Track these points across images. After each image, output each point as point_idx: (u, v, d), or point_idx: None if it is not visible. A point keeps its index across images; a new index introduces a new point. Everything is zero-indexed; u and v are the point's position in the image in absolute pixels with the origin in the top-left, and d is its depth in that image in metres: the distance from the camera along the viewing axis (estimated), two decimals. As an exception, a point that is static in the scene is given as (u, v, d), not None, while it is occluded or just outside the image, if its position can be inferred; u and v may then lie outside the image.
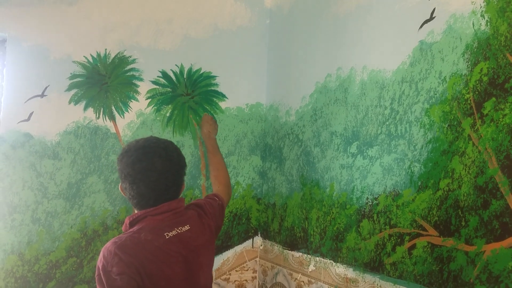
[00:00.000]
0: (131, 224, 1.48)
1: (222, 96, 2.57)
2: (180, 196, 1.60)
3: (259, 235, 2.63)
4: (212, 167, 2.18)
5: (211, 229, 1.66)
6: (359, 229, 1.85)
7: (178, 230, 1.48)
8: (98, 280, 1.35)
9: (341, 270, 1.94)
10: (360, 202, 1.85)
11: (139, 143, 1.52)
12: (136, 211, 1.53)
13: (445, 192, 1.46)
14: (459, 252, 1.40)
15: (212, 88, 2.56)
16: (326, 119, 2.11)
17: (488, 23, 1.35)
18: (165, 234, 1.45)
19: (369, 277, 1.77)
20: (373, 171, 1.79)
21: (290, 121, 2.41)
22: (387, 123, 1.74)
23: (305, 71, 2.30)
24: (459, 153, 1.42)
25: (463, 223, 1.40)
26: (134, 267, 1.33)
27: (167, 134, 2.42)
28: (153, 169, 1.47)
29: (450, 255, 1.43)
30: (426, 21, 1.59)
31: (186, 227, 1.51)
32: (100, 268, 1.34)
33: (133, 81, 2.38)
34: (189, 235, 1.51)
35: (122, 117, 2.34)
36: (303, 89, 2.30)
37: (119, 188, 1.57)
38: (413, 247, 1.58)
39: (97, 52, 2.31)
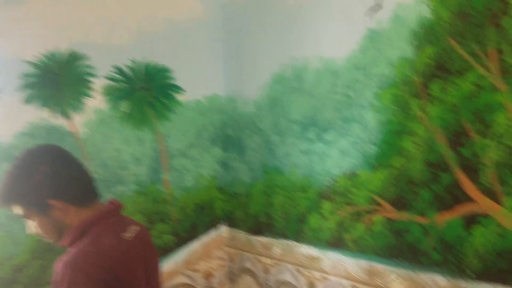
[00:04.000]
0: (82, 234, 1.21)
1: (179, 89, 2.59)
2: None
3: (225, 224, 2.68)
4: None
5: None
6: (320, 210, 1.94)
7: (134, 230, 1.29)
8: None
9: (305, 250, 2.03)
10: (320, 184, 1.94)
11: (40, 148, 1.24)
12: (71, 220, 1.23)
13: (399, 170, 1.57)
14: (415, 225, 1.51)
15: (169, 82, 2.57)
16: (283, 107, 2.18)
17: (433, 11, 1.45)
18: (127, 237, 1.25)
19: (331, 254, 1.87)
20: (331, 155, 1.88)
21: (248, 111, 2.46)
22: (342, 108, 1.83)
23: (260, 62, 2.36)
24: (410, 133, 1.52)
25: (416, 197, 1.51)
26: (103, 282, 1.12)
27: (126, 130, 2.41)
28: (76, 162, 1.25)
29: (406, 228, 1.54)
30: (371, 9, 1.68)
31: (137, 227, 1.32)
32: None
33: (88, 78, 2.35)
34: (143, 235, 1.33)
35: (78, 114, 2.31)
36: (259, 79, 2.35)
37: (52, 205, 1.20)
38: (372, 223, 1.68)
39: (49, 51, 2.26)
